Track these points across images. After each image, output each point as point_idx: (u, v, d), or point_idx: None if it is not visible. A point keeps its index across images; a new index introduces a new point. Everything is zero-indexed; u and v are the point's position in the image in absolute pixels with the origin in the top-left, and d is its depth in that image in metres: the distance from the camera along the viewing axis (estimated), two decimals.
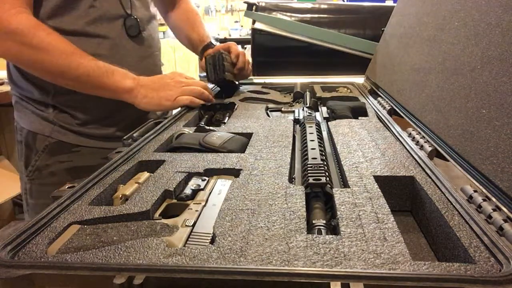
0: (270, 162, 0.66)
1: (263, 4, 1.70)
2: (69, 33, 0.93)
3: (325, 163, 0.64)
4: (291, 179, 0.62)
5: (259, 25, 1.66)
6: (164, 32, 5.35)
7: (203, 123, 0.93)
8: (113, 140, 1.02)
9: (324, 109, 1.06)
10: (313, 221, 0.49)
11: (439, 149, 0.68)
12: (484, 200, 0.51)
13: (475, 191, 0.54)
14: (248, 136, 0.81)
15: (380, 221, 0.47)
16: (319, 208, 0.52)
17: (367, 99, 1.09)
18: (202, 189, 0.59)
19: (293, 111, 1.01)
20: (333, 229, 0.49)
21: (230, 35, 5.85)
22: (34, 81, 0.99)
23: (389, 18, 1.27)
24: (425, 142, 0.73)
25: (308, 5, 1.73)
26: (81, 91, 0.95)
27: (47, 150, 1.01)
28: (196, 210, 0.53)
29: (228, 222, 0.47)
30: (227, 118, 0.98)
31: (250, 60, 1.69)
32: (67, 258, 0.41)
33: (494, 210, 0.49)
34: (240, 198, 0.53)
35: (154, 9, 1.19)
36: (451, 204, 0.50)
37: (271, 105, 1.13)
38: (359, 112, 0.99)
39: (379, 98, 1.09)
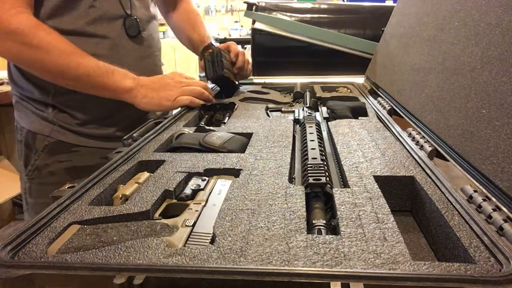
0: (270, 162, 0.66)
1: (263, 4, 1.70)
2: (69, 33, 0.93)
3: (325, 163, 0.64)
4: (291, 179, 0.62)
5: (259, 25, 1.66)
6: (164, 32, 5.35)
7: (203, 123, 0.93)
8: (112, 140, 1.02)
9: (324, 109, 1.06)
10: (313, 221, 0.49)
11: (439, 149, 0.68)
12: (484, 200, 0.51)
13: (475, 191, 0.54)
14: (248, 136, 0.81)
15: (380, 221, 0.47)
16: (319, 208, 0.52)
17: (367, 99, 1.09)
18: (202, 189, 0.59)
19: (293, 111, 1.01)
20: (333, 229, 0.49)
21: (230, 35, 5.86)
22: (34, 81, 0.99)
23: (389, 18, 1.27)
24: (425, 142, 0.73)
25: (308, 5, 1.73)
26: (81, 91, 0.95)
27: (47, 150, 1.01)
28: (196, 210, 0.53)
29: (228, 222, 0.47)
30: (227, 118, 0.98)
31: (250, 60, 1.69)
32: (67, 258, 0.41)
33: (494, 210, 0.49)
34: (240, 198, 0.53)
35: (154, 9, 1.19)
36: (451, 204, 0.50)
37: (271, 105, 1.13)
38: (359, 112, 0.99)
39: (379, 98, 1.09)
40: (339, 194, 0.54)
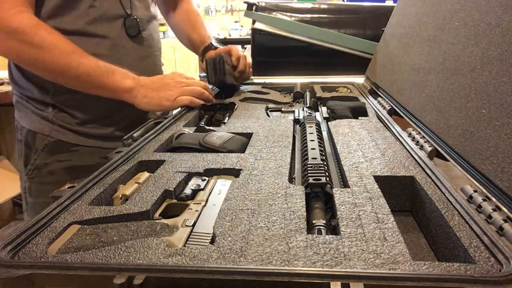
0: (270, 162, 0.66)
1: (263, 4, 1.70)
2: (69, 33, 0.93)
3: (325, 163, 0.64)
4: (291, 179, 0.62)
5: (259, 25, 1.66)
6: (164, 32, 5.35)
7: (203, 123, 0.93)
8: (112, 140, 1.02)
9: (324, 109, 1.06)
10: (313, 221, 0.49)
11: (439, 149, 0.68)
12: (484, 200, 0.51)
13: (475, 191, 0.54)
14: (248, 136, 0.81)
15: (380, 221, 0.47)
16: (319, 208, 0.52)
17: (367, 99, 1.09)
18: (202, 189, 0.59)
19: (293, 111, 1.01)
20: (333, 229, 0.49)
21: (230, 35, 5.85)
22: (34, 80, 0.99)
23: (389, 18, 1.27)
24: (425, 142, 0.73)
25: (308, 5, 1.73)
26: (81, 90, 0.96)
27: (47, 149, 1.01)
28: (196, 210, 0.53)
29: (228, 222, 0.47)
30: (227, 118, 0.98)
31: (250, 60, 1.69)
32: (67, 258, 0.41)
33: (494, 210, 0.49)
34: (240, 198, 0.53)
35: (154, 9, 1.19)
36: (451, 204, 0.50)
37: (271, 105, 1.13)
38: (359, 112, 0.99)
39: (379, 98, 1.09)
40: (339, 194, 0.54)
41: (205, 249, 0.42)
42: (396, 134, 0.78)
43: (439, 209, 0.50)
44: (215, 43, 1.27)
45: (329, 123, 0.90)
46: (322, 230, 0.47)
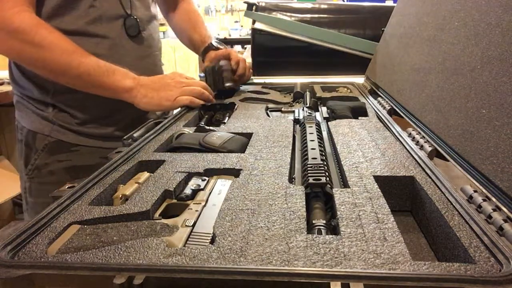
0: (270, 162, 0.66)
1: (263, 4, 1.70)
2: (69, 32, 0.93)
3: (325, 163, 0.64)
4: (291, 179, 0.62)
5: (259, 25, 1.65)
6: (164, 32, 5.35)
7: (203, 123, 0.93)
8: (112, 140, 1.02)
9: (324, 109, 1.06)
10: (313, 221, 0.49)
11: (439, 149, 0.68)
12: (484, 200, 0.51)
13: (475, 191, 0.54)
14: (248, 136, 0.81)
15: (380, 221, 0.47)
16: (319, 208, 0.52)
17: (367, 99, 1.09)
18: (202, 189, 0.59)
19: (293, 111, 1.01)
20: (333, 229, 0.49)
21: (230, 35, 5.85)
22: (34, 80, 1.00)
23: (389, 18, 1.27)
24: (425, 142, 0.73)
25: (308, 5, 1.73)
26: (81, 89, 0.96)
27: (47, 149, 1.01)
28: (196, 210, 0.53)
29: (228, 222, 0.47)
30: (227, 118, 0.98)
31: (250, 60, 1.69)
32: (67, 258, 0.41)
33: (494, 210, 0.49)
34: (240, 198, 0.53)
35: (154, 9, 1.20)
36: (451, 204, 0.50)
37: (271, 105, 1.13)
38: (359, 112, 0.99)
39: (379, 98, 1.09)
40: (339, 194, 0.54)
41: (205, 249, 0.42)
42: (396, 134, 0.78)
43: (439, 209, 0.50)
44: (215, 43, 1.27)
45: (329, 123, 0.90)
46: (322, 230, 0.47)
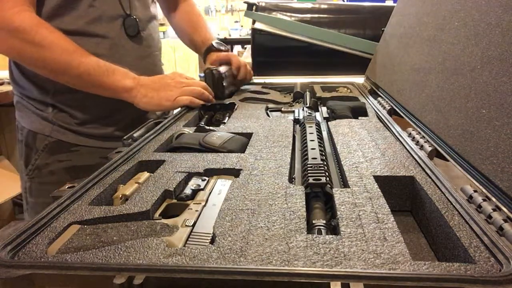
0: (270, 162, 0.66)
1: (263, 4, 1.70)
2: (69, 33, 0.93)
3: (325, 163, 0.64)
4: (291, 179, 0.62)
5: (259, 25, 1.66)
6: (164, 32, 5.35)
7: (203, 123, 0.93)
8: (112, 140, 1.03)
9: (324, 109, 1.06)
10: (313, 221, 0.49)
11: (439, 149, 0.68)
12: (484, 200, 0.51)
13: (475, 191, 0.54)
14: (248, 136, 0.81)
15: (380, 221, 0.47)
16: (319, 208, 0.52)
17: (367, 99, 1.09)
18: (202, 189, 0.59)
19: (293, 111, 1.01)
20: (333, 229, 0.49)
21: (230, 35, 5.85)
22: (34, 80, 1.00)
23: (389, 18, 1.27)
24: (425, 142, 0.73)
25: (308, 5, 1.73)
26: (81, 89, 0.96)
27: (47, 149, 1.01)
28: (196, 210, 0.53)
29: (228, 222, 0.47)
30: (227, 118, 0.98)
31: (250, 60, 1.69)
32: (67, 258, 0.41)
33: (494, 210, 0.49)
34: (240, 198, 0.53)
35: (154, 9, 1.20)
36: (451, 204, 0.50)
37: (271, 105, 1.13)
38: (359, 112, 0.99)
39: (379, 98, 1.09)
40: (339, 194, 0.54)
41: (205, 249, 0.42)
42: (396, 134, 0.78)
43: (439, 209, 0.50)
44: (216, 44, 1.26)
45: (329, 123, 0.90)
46: (322, 230, 0.47)
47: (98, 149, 1.03)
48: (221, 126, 0.90)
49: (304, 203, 0.52)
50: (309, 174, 0.59)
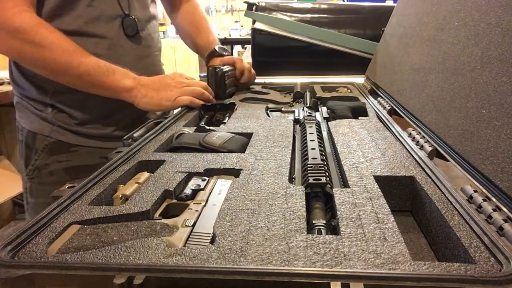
0: (270, 162, 0.66)
1: (263, 4, 1.70)
2: (68, 33, 0.93)
3: (325, 163, 0.64)
4: (291, 179, 0.62)
5: (259, 25, 1.65)
6: (164, 32, 5.35)
7: (203, 123, 0.93)
8: (111, 140, 1.03)
9: (324, 109, 1.06)
10: (313, 221, 0.49)
11: (439, 149, 0.68)
12: (484, 200, 0.51)
13: (475, 191, 0.54)
14: (248, 136, 0.81)
15: (380, 221, 0.47)
16: (319, 208, 0.52)
17: (367, 99, 1.09)
18: (202, 189, 0.59)
19: (293, 111, 1.01)
20: (333, 229, 0.49)
21: (230, 35, 5.85)
22: (34, 81, 1.00)
23: (389, 18, 1.27)
24: (425, 142, 0.73)
25: (308, 5, 1.73)
26: (81, 89, 0.96)
27: (46, 150, 1.01)
28: (196, 210, 0.53)
29: (228, 222, 0.47)
30: (227, 118, 0.98)
31: (250, 60, 1.69)
32: (67, 258, 0.41)
33: (494, 210, 0.49)
34: (240, 198, 0.53)
35: (154, 9, 1.19)
36: (451, 204, 0.50)
37: (271, 105, 1.13)
38: (359, 112, 0.99)
39: (379, 98, 1.09)
40: (339, 194, 0.54)
41: (205, 249, 0.42)
42: (396, 134, 0.78)
43: (439, 209, 0.50)
44: (219, 49, 1.26)
45: (329, 123, 0.90)
46: (322, 230, 0.47)
47: (98, 149, 1.03)
48: (221, 126, 0.90)
49: (304, 203, 0.52)
50: (309, 174, 0.59)
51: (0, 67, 2.24)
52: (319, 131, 0.83)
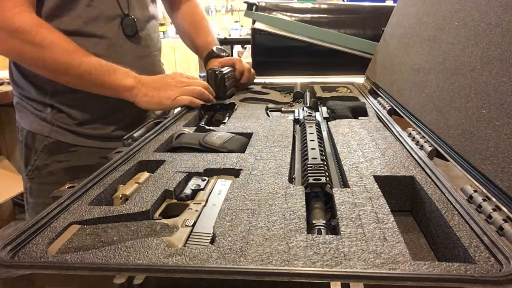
0: (270, 162, 0.66)
1: (263, 4, 1.70)
2: (67, 33, 0.93)
3: (325, 163, 0.64)
4: (291, 179, 0.62)
5: (259, 25, 1.65)
6: (164, 32, 5.35)
7: (203, 123, 0.93)
8: (110, 140, 1.03)
9: (324, 109, 1.06)
10: (313, 221, 0.49)
11: (439, 149, 0.68)
12: (484, 200, 0.51)
13: (475, 191, 0.54)
14: (248, 136, 0.81)
15: (380, 221, 0.47)
16: (319, 208, 0.52)
17: (367, 99, 1.09)
18: (202, 189, 0.59)
19: (293, 111, 1.01)
20: (333, 229, 0.49)
21: (230, 35, 5.85)
22: (33, 81, 1.00)
23: (389, 18, 1.27)
24: (425, 142, 0.73)
25: (308, 5, 1.73)
26: (82, 89, 0.96)
27: (46, 150, 1.01)
28: (196, 210, 0.53)
29: (228, 222, 0.47)
30: (227, 118, 0.98)
31: (250, 60, 1.69)
32: (67, 258, 0.41)
33: (494, 210, 0.49)
34: (240, 198, 0.53)
35: (153, 9, 1.19)
36: (451, 204, 0.50)
37: (271, 105, 1.13)
38: (359, 112, 0.99)
39: (379, 98, 1.09)
40: (339, 194, 0.54)
41: (205, 249, 0.42)
42: (396, 134, 0.78)
43: (439, 209, 0.50)
44: (217, 50, 1.26)
45: (329, 123, 0.90)
46: (322, 230, 0.47)
47: (98, 149, 1.03)
48: (221, 126, 0.90)
49: (304, 203, 0.52)
50: (309, 174, 0.59)
51: (0, 67, 2.24)
52: (319, 131, 0.83)
